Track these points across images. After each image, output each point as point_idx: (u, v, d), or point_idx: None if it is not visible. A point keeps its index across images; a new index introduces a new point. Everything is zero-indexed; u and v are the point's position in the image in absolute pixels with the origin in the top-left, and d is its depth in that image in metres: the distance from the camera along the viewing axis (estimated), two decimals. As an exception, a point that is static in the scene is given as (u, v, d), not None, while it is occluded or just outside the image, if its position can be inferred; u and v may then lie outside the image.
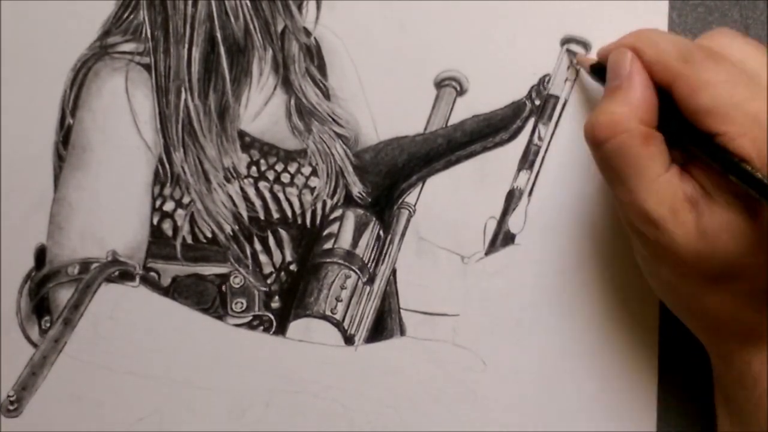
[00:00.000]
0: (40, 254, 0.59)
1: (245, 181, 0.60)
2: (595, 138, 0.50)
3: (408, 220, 0.60)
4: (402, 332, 0.60)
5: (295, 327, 0.60)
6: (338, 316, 0.60)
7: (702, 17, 0.61)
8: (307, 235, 0.60)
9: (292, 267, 0.60)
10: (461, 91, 0.60)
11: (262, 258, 0.60)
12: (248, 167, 0.60)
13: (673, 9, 0.61)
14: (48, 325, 0.59)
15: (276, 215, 0.60)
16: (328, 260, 0.60)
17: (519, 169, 0.60)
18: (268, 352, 0.59)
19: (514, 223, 0.60)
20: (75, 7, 0.60)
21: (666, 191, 0.49)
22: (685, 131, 0.50)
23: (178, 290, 0.60)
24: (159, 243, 0.60)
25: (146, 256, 0.60)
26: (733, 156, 0.47)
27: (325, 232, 0.60)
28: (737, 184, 0.47)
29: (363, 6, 0.60)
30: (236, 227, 0.60)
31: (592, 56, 0.57)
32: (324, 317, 0.60)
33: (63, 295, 0.59)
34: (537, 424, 0.60)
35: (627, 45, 0.52)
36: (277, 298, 0.60)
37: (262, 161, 0.60)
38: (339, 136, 0.60)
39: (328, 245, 0.60)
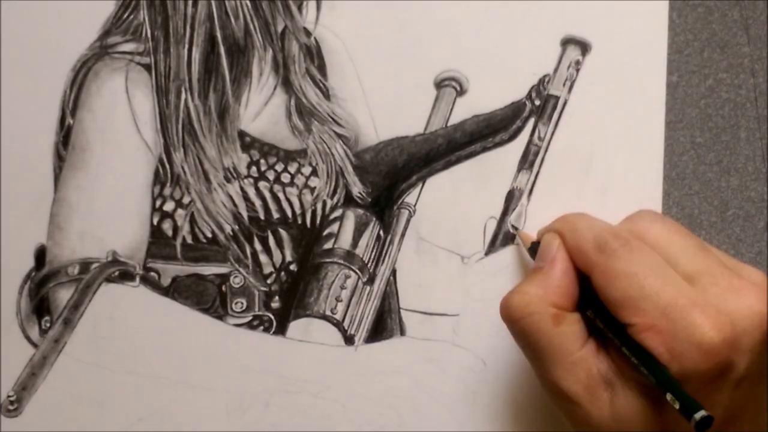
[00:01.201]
0: (40, 254, 0.59)
1: (245, 181, 0.60)
2: (508, 316, 0.52)
3: (408, 221, 0.60)
4: (402, 332, 0.60)
5: (295, 327, 0.60)
6: (338, 316, 0.60)
7: (702, 17, 0.61)
8: (307, 235, 0.60)
9: (292, 267, 0.60)
10: (461, 92, 0.60)
11: (262, 258, 0.60)
12: (248, 167, 0.60)
13: (673, 9, 0.61)
14: (48, 325, 0.59)
15: (276, 215, 0.60)
16: (328, 260, 0.60)
17: (519, 170, 0.60)
18: (268, 352, 0.59)
19: (513, 223, 0.60)
20: (75, 7, 0.60)
21: (581, 369, 0.50)
22: (601, 318, 0.50)
23: (178, 290, 0.60)
24: (159, 243, 0.60)
25: (146, 256, 0.60)
26: (641, 349, 0.48)
27: (325, 232, 0.60)
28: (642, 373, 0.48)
29: (363, 6, 0.60)
30: (236, 227, 0.60)
31: (533, 235, 0.58)
32: (324, 317, 0.60)
33: (63, 295, 0.59)
34: (536, 424, 0.60)
35: (555, 229, 0.54)
36: (277, 298, 0.60)
37: (262, 161, 0.60)
38: (339, 136, 0.60)
39: (328, 245, 0.60)
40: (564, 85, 0.60)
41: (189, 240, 0.60)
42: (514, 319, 0.52)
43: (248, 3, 0.60)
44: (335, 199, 0.60)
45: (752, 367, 0.48)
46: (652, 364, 0.47)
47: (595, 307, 0.51)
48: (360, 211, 0.60)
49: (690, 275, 0.49)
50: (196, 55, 0.60)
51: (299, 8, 0.60)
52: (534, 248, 0.56)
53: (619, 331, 0.49)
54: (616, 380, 0.49)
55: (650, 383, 0.48)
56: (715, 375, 0.47)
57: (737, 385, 0.48)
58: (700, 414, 0.45)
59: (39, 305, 0.59)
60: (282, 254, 0.60)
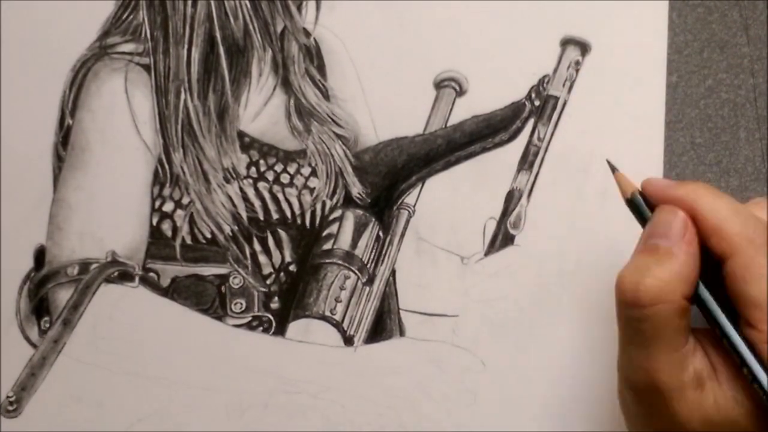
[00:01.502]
0: (40, 255, 0.59)
1: (244, 181, 0.60)
2: (639, 301, 0.48)
3: (407, 221, 0.60)
4: (401, 333, 0.60)
5: (295, 327, 0.60)
6: (338, 317, 0.60)
7: (702, 17, 0.61)
8: (307, 236, 0.60)
9: (292, 268, 0.60)
10: (461, 92, 0.60)
11: (262, 258, 0.60)
12: (248, 168, 0.60)
13: (673, 9, 0.61)
14: (47, 325, 0.59)
15: (275, 216, 0.60)
16: (327, 261, 0.60)
17: (518, 170, 0.60)
18: (267, 353, 0.59)
19: (513, 223, 0.60)
20: (75, 7, 0.60)
21: (682, 365, 0.48)
22: (719, 308, 0.49)
23: (177, 291, 0.60)
24: (158, 243, 0.60)
25: (145, 256, 0.60)
26: (758, 358, 0.46)
27: (325, 233, 0.60)
28: (747, 377, 0.46)
29: (363, 6, 0.60)
30: (235, 228, 0.60)
31: (636, 183, 0.53)
32: (323, 318, 0.60)
33: (62, 296, 0.59)
34: (536, 424, 0.60)
35: (683, 202, 0.50)
36: (276, 298, 0.60)
37: (262, 162, 0.60)
38: (338, 136, 0.60)
39: (327, 246, 0.60)
40: (564, 85, 0.60)
41: (188, 240, 0.60)
42: (641, 303, 0.48)
43: (248, 3, 0.60)
44: (335, 200, 0.60)
45: None
46: (758, 376, 0.46)
47: (713, 293, 0.49)
48: (359, 211, 0.60)
49: None
50: (195, 55, 0.60)
51: (299, 8, 0.60)
52: (635, 202, 0.52)
53: (736, 327, 0.47)
54: (708, 381, 0.48)
55: (749, 386, 0.47)
56: None
57: None
58: None
59: (38, 306, 0.59)
60: (281, 255, 0.60)
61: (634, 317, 0.48)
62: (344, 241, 0.60)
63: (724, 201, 0.49)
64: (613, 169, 0.53)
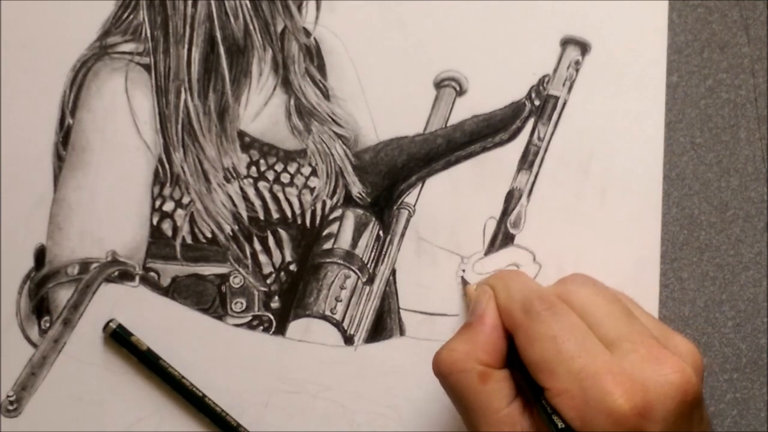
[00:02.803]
0: (40, 254, 0.59)
1: (245, 181, 0.60)
2: (437, 372, 0.53)
3: (407, 221, 0.60)
4: (401, 332, 0.60)
5: (295, 327, 0.60)
6: (338, 316, 0.60)
7: (702, 17, 0.61)
8: (307, 236, 0.60)
9: (292, 267, 0.60)
10: (461, 92, 0.60)
11: (262, 258, 0.60)
12: (248, 167, 0.60)
13: (673, 9, 0.61)
14: (47, 325, 0.59)
15: (276, 215, 0.60)
16: (327, 260, 0.60)
17: (518, 170, 0.60)
18: (267, 352, 0.59)
19: (513, 223, 0.60)
20: (75, 7, 0.60)
21: (505, 426, 0.50)
22: (522, 377, 0.51)
23: (177, 290, 0.60)
24: (159, 243, 0.60)
25: (146, 256, 0.60)
26: (553, 413, 0.48)
27: (325, 232, 0.60)
28: None
29: (363, 6, 0.60)
30: (236, 227, 0.60)
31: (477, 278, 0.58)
32: (324, 317, 0.60)
33: (62, 295, 0.59)
34: (536, 425, 0.60)
35: (490, 283, 0.55)
36: (276, 298, 0.60)
37: (262, 161, 0.60)
38: (339, 136, 0.60)
39: (327, 245, 0.60)
40: (564, 85, 0.60)
41: (188, 240, 0.60)
42: (442, 374, 0.52)
43: (248, 3, 0.60)
44: (335, 200, 0.60)
45: None
46: (560, 430, 0.48)
47: (518, 366, 0.51)
48: (359, 211, 0.60)
49: (611, 341, 0.49)
50: (195, 55, 0.60)
51: (299, 8, 0.60)
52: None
53: (537, 393, 0.49)
54: None
55: None
56: None
57: None
58: None
59: (39, 305, 0.59)
60: (282, 254, 0.60)
61: (445, 387, 0.53)
62: (344, 241, 0.60)
63: (516, 281, 0.54)
64: (465, 283, 0.59)
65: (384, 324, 0.60)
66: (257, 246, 0.60)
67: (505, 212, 0.60)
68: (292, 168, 0.60)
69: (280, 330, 0.60)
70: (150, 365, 0.58)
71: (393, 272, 0.60)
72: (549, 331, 0.49)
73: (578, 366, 0.48)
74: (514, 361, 0.52)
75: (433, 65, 0.60)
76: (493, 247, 0.60)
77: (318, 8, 0.60)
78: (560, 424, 0.47)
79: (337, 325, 0.60)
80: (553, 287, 0.54)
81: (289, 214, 0.60)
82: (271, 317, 0.60)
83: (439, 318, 0.60)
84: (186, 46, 0.60)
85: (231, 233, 0.60)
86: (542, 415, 0.49)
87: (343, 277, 0.60)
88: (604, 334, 0.50)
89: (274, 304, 0.60)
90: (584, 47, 0.60)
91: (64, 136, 0.60)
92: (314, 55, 0.60)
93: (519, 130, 0.60)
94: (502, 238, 0.60)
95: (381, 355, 0.60)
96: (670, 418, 0.47)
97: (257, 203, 0.60)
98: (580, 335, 0.49)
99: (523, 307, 0.51)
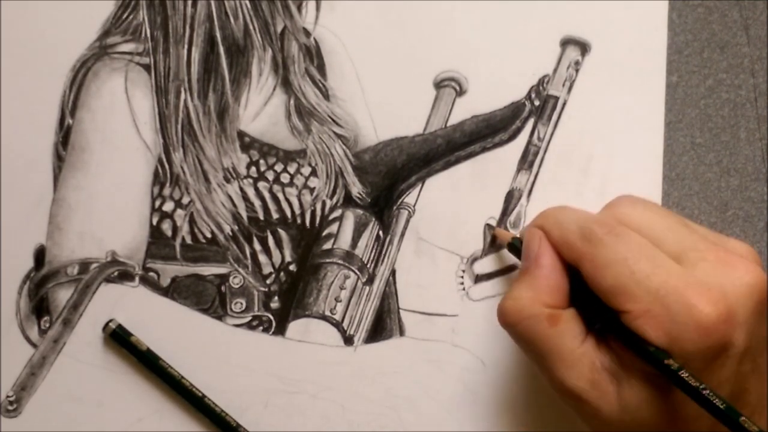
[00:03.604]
0: (40, 254, 0.59)
1: (245, 181, 0.60)
2: (505, 323, 0.52)
3: (407, 221, 0.60)
4: (401, 332, 0.60)
5: (295, 327, 0.60)
6: (337, 317, 0.60)
7: (702, 17, 0.61)
8: (307, 236, 0.60)
9: (292, 267, 0.60)
10: (460, 92, 0.60)
11: (262, 258, 0.60)
12: (248, 167, 0.60)
13: (673, 9, 0.61)
14: (47, 325, 0.59)
15: (275, 215, 0.60)
16: (327, 260, 0.60)
17: (518, 170, 0.60)
18: (267, 353, 0.59)
19: (513, 223, 0.60)
20: (75, 7, 0.60)
21: (583, 365, 0.50)
22: (594, 308, 0.50)
23: (177, 290, 0.60)
24: (158, 243, 0.60)
25: (145, 256, 0.60)
26: (635, 336, 0.48)
27: (325, 233, 0.60)
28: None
29: (363, 6, 0.60)
30: (236, 227, 0.60)
31: (511, 232, 0.58)
32: (323, 317, 0.60)
33: (62, 296, 0.59)
34: (536, 425, 0.60)
35: (537, 224, 0.53)
36: (276, 298, 0.60)
37: (262, 161, 0.60)
38: (338, 136, 0.60)
39: (327, 245, 0.60)
40: (563, 85, 0.60)
41: (188, 240, 0.60)
42: (510, 324, 0.52)
43: (248, 3, 0.60)
44: (334, 200, 0.60)
45: (751, 339, 0.48)
46: (645, 352, 0.47)
47: (585, 300, 0.51)
48: (359, 211, 0.60)
49: (677, 254, 0.49)
50: (195, 55, 0.60)
51: (299, 8, 0.60)
52: (514, 246, 0.56)
53: (614, 320, 0.49)
54: (620, 372, 0.49)
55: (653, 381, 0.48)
56: (717, 352, 0.47)
57: (740, 360, 0.48)
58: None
59: (38, 305, 0.59)
60: (281, 254, 0.60)
61: (515, 338, 0.52)
62: (344, 241, 0.60)
63: (566, 213, 0.53)
64: (491, 228, 0.58)
65: (384, 324, 0.60)
66: (257, 246, 0.60)
67: (505, 212, 0.60)
68: (291, 168, 0.60)
69: (280, 330, 0.60)
70: (149, 365, 0.58)
71: (393, 272, 0.60)
72: (617, 255, 0.48)
73: (656, 283, 0.47)
74: (579, 295, 0.51)
75: (433, 65, 0.60)
76: (493, 247, 0.60)
77: (318, 8, 0.60)
78: (651, 348, 0.47)
79: (337, 325, 0.60)
80: (603, 212, 0.53)
81: (288, 214, 0.60)
82: (271, 317, 0.60)
83: (439, 318, 0.60)
84: (186, 46, 0.60)
85: (231, 233, 0.60)
86: (623, 341, 0.48)
87: (342, 278, 0.60)
88: (669, 248, 0.49)
89: (274, 304, 0.60)
90: (584, 47, 0.60)
91: (64, 136, 0.60)
92: (314, 55, 0.60)
93: (519, 130, 0.60)
94: (501, 238, 0.60)
95: (381, 356, 0.60)
96: (751, 319, 0.48)
97: (257, 203, 0.60)
98: (649, 252, 0.49)
99: (583, 235, 0.50)
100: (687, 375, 0.46)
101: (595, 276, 0.49)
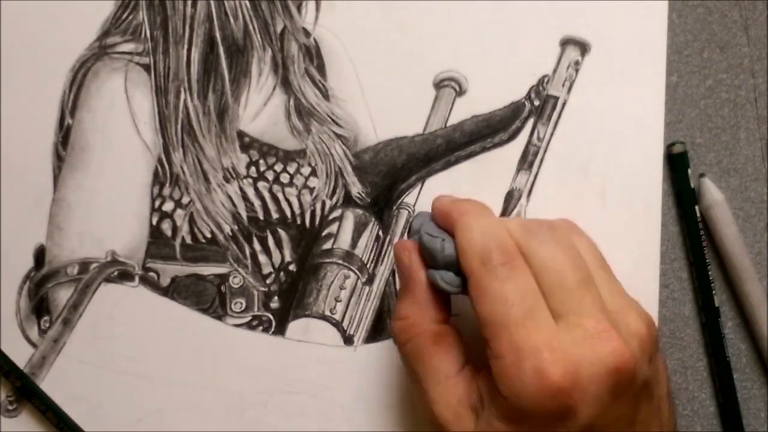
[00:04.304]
0: (40, 254, 0.59)
1: (244, 181, 0.60)
2: (396, 342, 0.52)
3: (407, 221, 0.60)
4: (401, 332, 0.60)
5: (295, 327, 0.60)
6: (337, 317, 0.60)
7: (702, 17, 0.61)
8: (307, 236, 0.60)
9: (292, 267, 0.60)
10: (460, 92, 0.60)
11: (262, 258, 0.60)
12: (247, 167, 0.60)
13: (673, 9, 0.61)
14: (47, 325, 0.59)
15: (275, 215, 0.60)
16: (327, 260, 0.60)
17: (518, 170, 0.60)
18: (267, 353, 0.59)
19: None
20: (75, 7, 0.60)
21: (452, 395, 0.50)
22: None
23: (177, 290, 0.60)
24: (158, 243, 0.60)
25: (145, 256, 0.60)
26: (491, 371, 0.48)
27: (325, 233, 0.60)
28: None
29: (362, 6, 0.60)
30: (235, 227, 0.60)
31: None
32: (323, 317, 0.60)
33: (62, 295, 0.59)
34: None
35: (449, 216, 0.52)
36: (276, 298, 0.60)
37: (262, 161, 0.60)
38: (338, 136, 0.60)
39: (327, 245, 0.60)
40: (563, 85, 0.60)
41: (188, 240, 0.60)
42: (401, 344, 0.52)
43: (247, 3, 0.60)
44: (334, 200, 0.60)
45: (601, 419, 0.47)
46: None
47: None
48: (359, 211, 0.60)
49: (559, 312, 0.49)
50: (195, 55, 0.60)
51: (298, 8, 0.60)
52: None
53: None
54: (480, 406, 0.49)
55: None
56: (556, 418, 0.47)
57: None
58: None
59: (38, 305, 0.59)
60: (281, 254, 0.60)
61: (402, 358, 0.52)
62: (344, 241, 0.60)
63: (478, 221, 0.51)
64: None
65: (384, 324, 0.60)
66: (257, 246, 0.60)
67: (505, 212, 0.60)
68: (291, 168, 0.60)
69: (280, 330, 0.60)
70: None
71: (393, 272, 0.60)
72: (501, 291, 0.48)
73: (521, 335, 0.47)
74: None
75: (433, 65, 0.60)
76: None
77: (317, 8, 0.60)
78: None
79: (337, 325, 0.60)
80: (518, 232, 0.51)
81: (288, 214, 0.60)
82: (271, 317, 0.60)
83: (439, 318, 0.60)
84: (185, 47, 0.60)
85: (230, 233, 0.60)
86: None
87: (342, 277, 0.60)
88: (554, 304, 0.49)
89: (274, 304, 0.60)
90: (584, 47, 0.60)
91: (64, 136, 0.60)
92: (314, 55, 0.60)
93: (518, 130, 0.60)
94: (501, 238, 0.60)
95: (380, 355, 0.60)
96: (605, 399, 0.47)
97: (257, 203, 0.60)
98: (530, 301, 0.48)
99: (481, 256, 0.49)
100: None
101: (476, 300, 0.49)
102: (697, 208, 0.59)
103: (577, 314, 0.49)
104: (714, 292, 0.59)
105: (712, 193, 0.59)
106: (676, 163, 0.59)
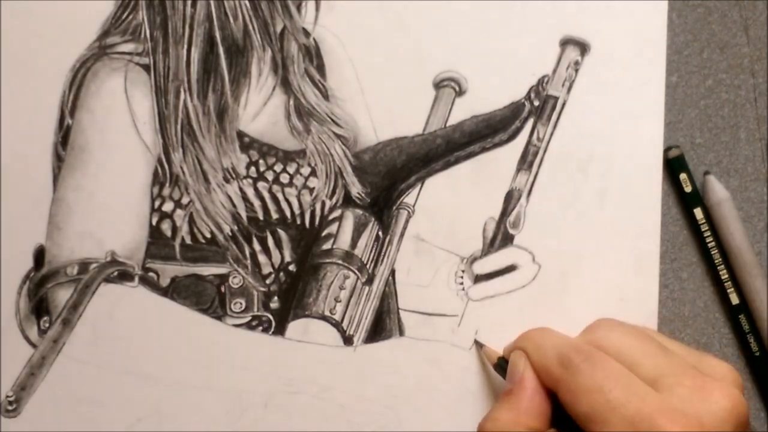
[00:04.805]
0: (39, 255, 0.59)
1: (244, 181, 0.60)
2: None
3: (407, 221, 0.60)
4: (401, 332, 0.60)
5: (294, 327, 0.60)
6: (337, 317, 0.60)
7: (702, 17, 0.61)
8: (306, 236, 0.60)
9: (291, 267, 0.60)
10: (460, 92, 0.60)
11: (261, 258, 0.60)
12: (247, 168, 0.60)
13: (672, 9, 0.61)
14: (47, 325, 0.59)
15: (275, 216, 0.60)
16: (327, 261, 0.60)
17: (518, 170, 0.60)
18: (266, 353, 0.59)
19: (512, 223, 0.60)
20: (74, 7, 0.60)
21: None
22: None
23: (176, 290, 0.60)
24: (158, 243, 0.60)
25: (145, 256, 0.60)
26: None
27: (324, 233, 0.60)
28: None
29: (362, 6, 0.60)
30: (235, 227, 0.60)
31: (499, 351, 0.58)
32: (323, 317, 0.60)
33: (62, 296, 0.59)
34: (536, 425, 0.60)
35: (520, 347, 0.54)
36: (276, 298, 0.60)
37: (261, 162, 0.60)
38: (338, 136, 0.60)
39: (327, 246, 0.60)
40: (563, 85, 0.60)
41: (188, 240, 0.60)
42: None
43: (247, 3, 0.60)
44: (334, 200, 0.60)
45: None
46: None
47: (565, 424, 0.51)
48: (359, 211, 0.60)
49: (654, 379, 0.50)
50: (195, 55, 0.60)
51: (298, 8, 0.60)
52: (500, 365, 0.57)
53: None
54: None
55: None
56: None
57: None
58: None
59: (38, 305, 0.59)
60: (281, 255, 0.60)
61: None
62: (344, 241, 0.60)
63: (547, 336, 0.54)
64: (480, 345, 0.59)
65: (383, 324, 0.60)
66: (256, 246, 0.60)
67: (505, 212, 0.60)
68: (291, 168, 0.60)
69: (280, 330, 0.60)
70: None
71: (392, 272, 0.60)
72: (593, 382, 0.49)
73: (631, 411, 0.47)
74: (559, 420, 0.52)
75: (433, 65, 0.60)
76: (492, 247, 0.60)
77: (317, 8, 0.60)
78: None
79: (337, 325, 0.60)
80: (582, 336, 0.54)
81: (288, 214, 0.60)
82: (271, 317, 0.60)
83: (438, 318, 0.60)
84: (185, 47, 0.60)
85: (230, 233, 0.60)
86: None
87: (342, 278, 0.60)
88: (645, 373, 0.50)
89: (274, 304, 0.60)
90: (584, 47, 0.60)
91: (64, 136, 0.60)
92: (313, 55, 0.60)
93: (518, 130, 0.60)
94: (501, 238, 0.60)
95: (380, 356, 0.60)
96: None
97: (256, 203, 0.60)
98: (624, 380, 0.49)
99: (561, 362, 0.51)
100: None
101: (572, 402, 0.50)
102: (698, 210, 0.60)
103: (672, 375, 0.50)
104: (730, 291, 0.59)
105: (717, 191, 0.59)
106: (673, 168, 0.59)
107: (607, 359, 0.50)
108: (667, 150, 0.60)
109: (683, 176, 0.60)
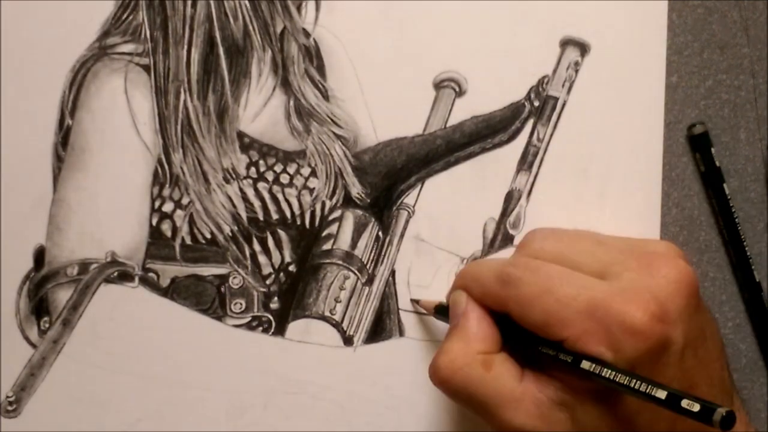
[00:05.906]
0: (39, 255, 0.59)
1: (244, 182, 0.60)
2: (439, 380, 0.51)
3: (407, 221, 0.60)
4: (401, 333, 0.60)
5: (294, 328, 0.60)
6: (337, 317, 0.60)
7: (702, 18, 0.61)
8: (306, 236, 0.60)
9: (291, 268, 0.60)
10: (460, 92, 0.60)
11: (261, 259, 0.60)
12: (247, 168, 0.60)
13: (672, 9, 0.61)
14: (47, 325, 0.59)
15: (275, 216, 0.60)
16: (327, 261, 0.60)
17: (518, 170, 0.60)
18: (266, 353, 0.59)
19: (512, 223, 0.60)
20: (75, 8, 0.60)
21: (528, 402, 0.49)
22: (535, 345, 0.49)
23: (177, 291, 0.60)
24: (158, 244, 0.60)
25: (145, 256, 0.60)
26: (583, 357, 0.47)
27: (324, 233, 0.60)
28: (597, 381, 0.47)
29: (362, 7, 0.60)
30: (235, 228, 0.60)
31: (435, 299, 0.58)
32: (323, 318, 0.60)
33: (62, 296, 0.59)
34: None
35: (459, 285, 0.54)
36: (276, 298, 0.60)
37: (261, 162, 0.60)
38: (338, 137, 0.60)
39: (327, 246, 0.60)
40: (563, 86, 0.60)
41: (188, 241, 0.60)
42: (445, 379, 0.51)
43: (247, 4, 0.60)
44: (334, 200, 0.60)
45: (688, 334, 0.48)
46: (594, 373, 0.47)
47: (522, 339, 0.50)
48: (359, 211, 0.60)
49: (600, 271, 0.49)
50: (195, 55, 0.60)
51: (298, 9, 0.60)
52: (439, 311, 0.57)
53: (557, 349, 0.48)
54: (568, 398, 0.49)
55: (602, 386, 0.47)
56: (658, 353, 0.47)
57: (681, 356, 0.48)
58: (719, 413, 0.43)
59: (38, 306, 0.59)
60: (281, 255, 0.60)
61: (451, 393, 0.51)
62: (344, 242, 0.60)
63: (482, 265, 0.53)
64: (416, 302, 0.59)
65: (383, 325, 0.60)
66: (256, 247, 0.60)
67: (505, 213, 0.60)
68: (291, 169, 0.60)
69: (280, 331, 0.60)
70: None
71: (392, 273, 0.60)
72: (539, 288, 0.49)
73: (584, 303, 0.47)
74: (512, 340, 0.51)
75: (433, 66, 0.60)
76: (492, 247, 0.60)
77: (317, 9, 0.60)
78: (607, 373, 0.46)
79: (337, 325, 0.60)
80: (517, 252, 0.53)
81: (288, 214, 0.60)
82: (271, 318, 0.60)
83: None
84: (185, 47, 0.60)
85: (230, 234, 0.60)
86: (569, 368, 0.48)
87: (342, 278, 0.60)
88: (589, 269, 0.50)
89: (274, 304, 0.60)
90: (583, 48, 0.60)
91: (64, 136, 0.60)
92: (314, 55, 0.60)
93: (518, 130, 0.60)
94: (501, 238, 0.60)
95: (380, 356, 0.60)
96: (684, 314, 0.48)
97: (256, 204, 0.60)
98: (570, 277, 0.49)
99: (502, 280, 0.50)
100: (628, 378, 0.46)
101: (525, 314, 0.49)
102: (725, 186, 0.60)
103: (616, 263, 0.49)
104: (753, 267, 0.59)
105: None
106: (699, 144, 0.60)
107: (547, 264, 0.50)
108: (691, 126, 0.60)
109: (714, 150, 0.60)
